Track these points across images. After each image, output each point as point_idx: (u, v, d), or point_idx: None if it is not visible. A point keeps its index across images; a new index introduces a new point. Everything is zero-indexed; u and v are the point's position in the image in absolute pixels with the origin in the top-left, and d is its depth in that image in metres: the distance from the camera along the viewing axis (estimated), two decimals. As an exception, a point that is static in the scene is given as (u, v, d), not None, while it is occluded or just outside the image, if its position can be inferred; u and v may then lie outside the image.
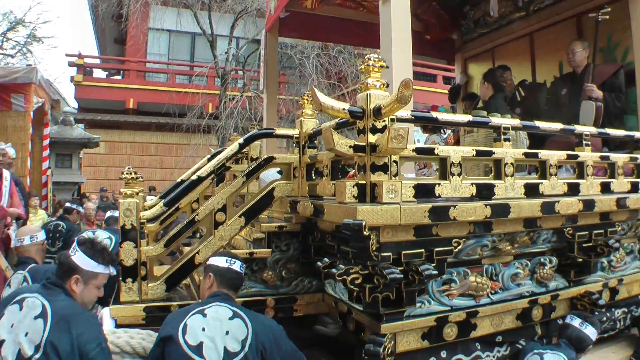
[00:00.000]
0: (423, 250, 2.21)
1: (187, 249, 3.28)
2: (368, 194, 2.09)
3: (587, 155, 2.79)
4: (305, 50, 12.23)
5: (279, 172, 3.11)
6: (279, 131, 3.01)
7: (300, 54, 12.32)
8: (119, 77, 15.16)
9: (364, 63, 2.17)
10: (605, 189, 2.86)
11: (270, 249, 2.79)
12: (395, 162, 2.15)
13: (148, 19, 14.23)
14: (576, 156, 2.77)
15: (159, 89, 13.97)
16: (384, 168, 2.10)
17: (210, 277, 2.28)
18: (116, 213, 4.27)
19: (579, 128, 2.84)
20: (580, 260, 2.83)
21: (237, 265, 2.31)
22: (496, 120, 2.55)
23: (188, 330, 2.07)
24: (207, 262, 2.37)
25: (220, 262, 2.29)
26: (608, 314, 3.08)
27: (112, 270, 2.27)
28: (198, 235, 4.17)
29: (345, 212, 2.02)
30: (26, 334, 1.91)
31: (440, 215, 2.16)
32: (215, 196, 2.77)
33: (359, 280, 2.09)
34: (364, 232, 1.93)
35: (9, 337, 1.93)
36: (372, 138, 2.08)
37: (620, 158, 2.94)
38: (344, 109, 2.09)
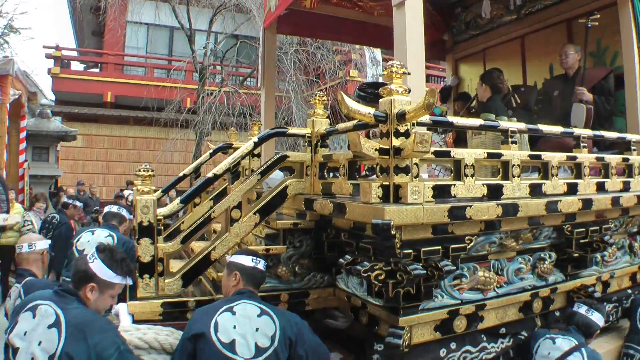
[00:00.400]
0: (440, 247, 2.36)
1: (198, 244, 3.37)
2: (392, 194, 2.22)
3: (585, 156, 3.00)
4: (284, 46, 12.31)
5: (290, 171, 3.23)
6: (292, 130, 3.12)
7: (279, 50, 12.39)
8: (97, 70, 14.98)
9: (386, 69, 2.29)
10: (601, 188, 3.08)
11: (285, 246, 2.91)
12: (416, 164, 2.29)
13: (126, 11, 14.13)
14: (575, 157, 2.97)
15: (137, 83, 13.92)
16: (406, 170, 2.24)
17: (236, 275, 2.39)
18: (114, 208, 4.30)
19: (577, 131, 3.05)
20: (577, 255, 3.03)
21: (262, 265, 2.45)
22: (504, 124, 2.72)
23: (220, 327, 2.17)
24: (232, 260, 2.47)
25: (246, 260, 2.40)
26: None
27: (129, 281, 2.28)
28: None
29: (371, 211, 2.15)
30: (39, 343, 1.92)
31: (457, 215, 2.31)
32: (231, 194, 2.86)
33: (383, 276, 2.23)
34: (392, 232, 2.06)
35: (22, 345, 1.94)
36: (396, 141, 2.21)
37: (614, 159, 3.16)
38: (369, 113, 2.21)
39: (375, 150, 2.19)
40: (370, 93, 4.52)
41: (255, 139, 2.98)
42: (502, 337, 2.89)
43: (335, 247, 2.94)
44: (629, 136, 3.35)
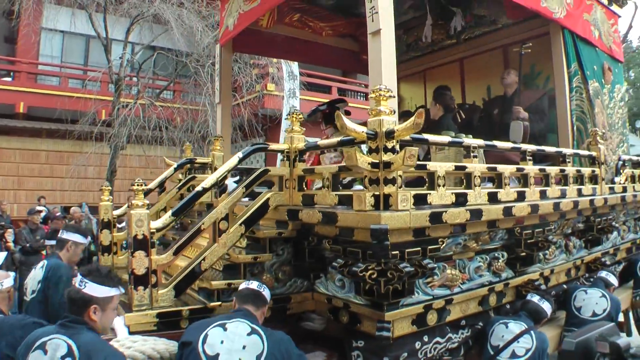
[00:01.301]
0: (420, 248, 2.77)
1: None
2: (382, 203, 2.60)
3: (530, 168, 3.57)
4: (201, 58, 12.43)
5: (235, 183, 3.52)
6: (272, 146, 3.41)
7: (196, 62, 12.50)
8: (9, 79, 14.19)
9: (374, 93, 2.68)
10: (543, 195, 3.65)
11: (271, 254, 3.18)
12: (400, 176, 2.68)
13: (41, 17, 13.56)
14: (523, 169, 3.52)
15: (51, 93, 13.40)
16: (393, 181, 2.62)
17: (233, 299, 2.70)
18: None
19: (524, 146, 3.62)
20: (524, 254, 3.58)
21: (254, 285, 2.71)
22: (468, 140, 3.20)
23: (208, 340, 2.39)
24: None
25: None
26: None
27: (122, 290, 2.42)
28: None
29: (367, 218, 2.51)
30: None
31: (436, 219, 2.73)
32: (219, 206, 3.09)
33: (375, 275, 2.59)
34: (387, 235, 2.44)
35: None
36: (385, 156, 2.59)
37: (553, 170, 3.76)
38: (363, 131, 2.58)
39: (369, 164, 2.55)
40: (314, 110, 4.92)
41: (240, 154, 3.23)
42: (463, 329, 3.34)
43: (314, 254, 3.27)
44: (564, 150, 3.99)
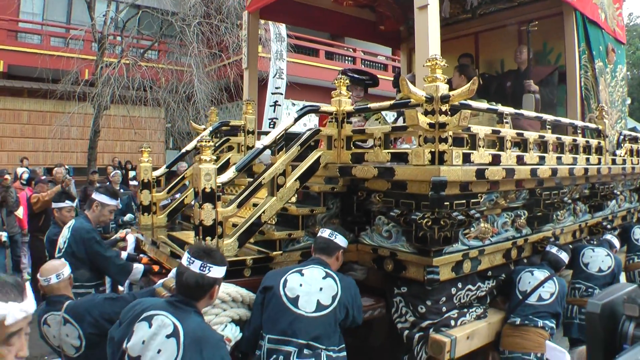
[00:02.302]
0: (465, 200, 3.26)
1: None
2: (437, 158, 3.07)
3: (550, 136, 4.10)
4: (187, 18, 12.49)
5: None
6: (323, 107, 3.82)
7: (182, 21, 12.54)
8: (-12, 37, 14.03)
9: (430, 62, 3.12)
10: (559, 161, 4.20)
11: (325, 207, 3.64)
12: (451, 136, 3.15)
13: (22, -27, 13.42)
14: (544, 137, 4.05)
15: (32, 52, 13.34)
16: (446, 140, 3.09)
17: (312, 246, 3.15)
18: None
19: (544, 116, 4.15)
20: (541, 213, 4.13)
21: (326, 233, 3.15)
22: (501, 108, 3.70)
23: (287, 284, 2.83)
24: None
25: (320, 232, 3.15)
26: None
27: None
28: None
29: (427, 172, 2.98)
30: (158, 352, 2.11)
31: (480, 175, 3.22)
32: (277, 163, 3.50)
33: (430, 223, 3.07)
34: (445, 187, 2.92)
35: (142, 353, 2.14)
36: (441, 118, 3.05)
37: (568, 139, 4.31)
38: (423, 95, 3.03)
39: (428, 124, 3.02)
40: (353, 77, 5.36)
41: (295, 115, 3.65)
42: (489, 279, 3.87)
43: (361, 208, 3.73)
44: (576, 122, 4.54)
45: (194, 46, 12.42)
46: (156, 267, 3.87)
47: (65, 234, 3.85)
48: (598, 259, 4.38)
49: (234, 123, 5.03)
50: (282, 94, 12.78)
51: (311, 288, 2.83)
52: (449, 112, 3.09)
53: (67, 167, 11.57)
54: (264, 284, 2.90)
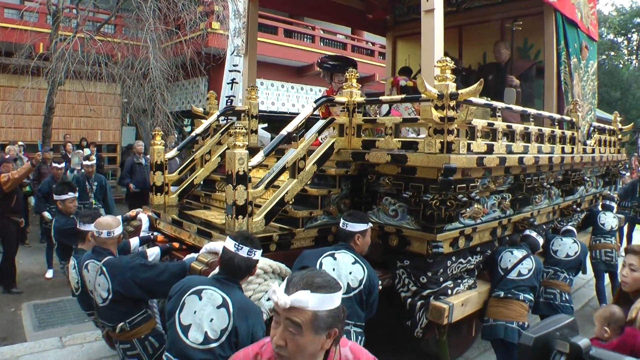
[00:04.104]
0: (465, 185, 4.01)
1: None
2: (445, 148, 3.79)
3: (533, 128, 4.92)
4: None
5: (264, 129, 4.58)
6: (337, 98, 4.46)
7: None
8: None
9: (441, 63, 3.82)
10: (540, 150, 5.03)
11: (340, 189, 4.32)
12: (457, 129, 3.88)
13: (-28, -60, 13.17)
14: (528, 128, 4.86)
15: (-16, 24, 13.20)
16: (453, 132, 3.82)
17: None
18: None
19: (529, 110, 4.96)
20: (522, 196, 4.97)
21: (341, 223, 3.66)
22: (494, 103, 4.47)
23: (323, 267, 3.40)
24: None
25: (340, 223, 3.71)
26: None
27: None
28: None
29: (439, 159, 3.69)
30: (211, 320, 2.60)
31: (480, 162, 3.97)
32: (298, 148, 4.14)
33: (438, 204, 3.81)
34: (454, 172, 3.65)
35: (193, 321, 2.64)
36: (450, 113, 3.77)
37: (547, 131, 5.16)
38: (434, 92, 3.74)
39: (439, 118, 3.73)
40: (331, 65, 6.01)
41: (313, 104, 4.29)
42: (477, 254, 4.67)
43: (369, 189, 4.43)
44: (554, 115, 5.40)
45: (150, 22, 12.61)
46: (176, 244, 4.42)
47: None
48: (566, 246, 5.23)
49: (239, 108, 5.60)
50: (239, 71, 13.20)
51: (342, 272, 3.41)
52: (455, 108, 3.82)
53: (20, 143, 11.72)
54: (303, 263, 3.49)
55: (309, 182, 4.29)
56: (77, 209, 5.91)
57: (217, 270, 3.03)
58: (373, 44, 19.12)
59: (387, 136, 4.21)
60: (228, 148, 5.25)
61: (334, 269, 3.41)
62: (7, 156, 8.49)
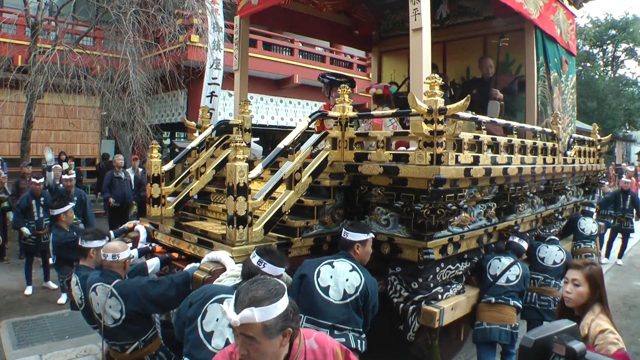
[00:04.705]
0: (453, 194, 4.32)
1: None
2: (435, 160, 4.10)
3: (516, 140, 5.27)
4: (123, 5, 12.85)
5: (257, 142, 4.87)
6: (330, 113, 4.75)
7: (118, 9, 12.93)
8: None
9: (430, 79, 4.14)
10: (522, 161, 5.38)
11: (334, 199, 4.60)
12: (445, 141, 4.20)
13: (-52, -49, 13.27)
14: (511, 140, 5.21)
15: (-38, 36, 13.28)
16: (441, 145, 4.13)
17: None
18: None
19: (512, 123, 5.32)
20: (506, 205, 5.30)
21: (348, 236, 3.86)
22: (480, 117, 4.81)
23: (320, 275, 3.65)
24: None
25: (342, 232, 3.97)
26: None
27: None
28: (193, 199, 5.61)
29: (430, 170, 3.99)
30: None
31: (467, 173, 4.28)
32: (294, 161, 4.41)
33: (428, 212, 4.11)
34: (444, 183, 3.96)
35: (216, 329, 2.79)
36: (439, 127, 4.09)
37: (529, 142, 5.51)
38: (424, 107, 4.05)
39: (429, 132, 4.04)
40: (329, 80, 6.35)
41: (308, 119, 4.57)
42: (465, 261, 4.97)
43: (362, 200, 4.72)
44: (536, 127, 5.77)
45: (129, 35, 12.81)
46: (175, 255, 4.65)
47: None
48: (552, 253, 5.55)
49: (233, 122, 5.87)
50: (218, 84, 13.45)
51: (339, 279, 3.62)
52: (443, 122, 4.13)
53: (-1, 158, 11.81)
54: (301, 272, 3.74)
55: (304, 194, 4.57)
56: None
57: (225, 278, 3.30)
58: (352, 56, 19.50)
59: (379, 149, 4.50)
60: (225, 161, 5.56)
61: (331, 277, 3.65)
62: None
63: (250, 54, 15.84)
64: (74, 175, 8.86)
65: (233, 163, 4.00)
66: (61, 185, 9.01)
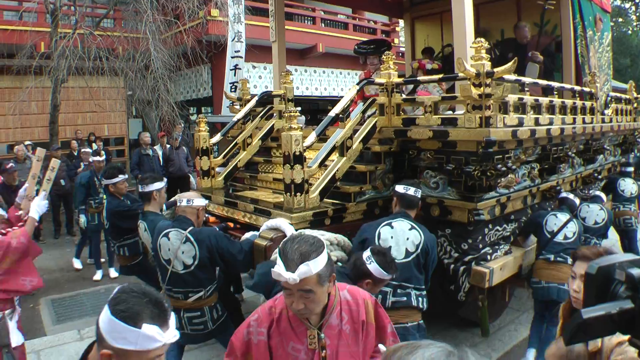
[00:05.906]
0: (501, 156, 4.60)
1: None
2: (484, 122, 4.37)
3: (557, 100, 5.51)
4: None
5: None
6: (377, 80, 5.02)
7: None
8: None
9: (476, 44, 4.37)
10: (563, 121, 5.63)
11: (384, 164, 4.90)
12: (492, 104, 4.46)
13: (-31, -58, 13.54)
14: (552, 101, 5.45)
15: (-16, 27, 13.64)
16: (489, 107, 4.40)
17: (395, 200, 4.26)
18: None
19: (553, 84, 5.55)
20: (548, 166, 5.57)
21: (411, 191, 4.12)
22: (523, 79, 5.05)
23: (381, 236, 3.92)
24: (394, 189, 4.32)
25: (399, 188, 4.20)
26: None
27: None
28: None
29: (480, 133, 4.27)
30: None
31: (514, 135, 4.55)
32: (346, 128, 4.70)
33: (479, 174, 4.40)
34: (494, 145, 4.24)
35: None
36: (487, 90, 4.34)
37: (569, 102, 5.75)
38: (473, 72, 4.31)
39: (478, 95, 4.30)
40: (366, 49, 6.60)
41: (357, 86, 4.85)
42: (511, 222, 5.27)
43: (410, 164, 5.01)
44: (576, 87, 5.99)
45: (148, 13, 13.03)
46: (231, 224, 5.00)
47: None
48: (593, 213, 5.83)
49: (276, 92, 6.16)
50: (242, 57, 13.72)
51: (400, 239, 3.87)
52: (490, 84, 4.39)
53: (27, 142, 12.22)
54: (362, 236, 3.99)
55: (355, 160, 4.86)
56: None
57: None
58: (375, 22, 19.59)
59: (427, 114, 4.78)
60: (270, 131, 5.88)
61: (392, 237, 3.91)
62: (9, 166, 8.86)
63: (262, 23, 16.42)
64: (104, 157, 9.18)
65: (288, 132, 4.30)
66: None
